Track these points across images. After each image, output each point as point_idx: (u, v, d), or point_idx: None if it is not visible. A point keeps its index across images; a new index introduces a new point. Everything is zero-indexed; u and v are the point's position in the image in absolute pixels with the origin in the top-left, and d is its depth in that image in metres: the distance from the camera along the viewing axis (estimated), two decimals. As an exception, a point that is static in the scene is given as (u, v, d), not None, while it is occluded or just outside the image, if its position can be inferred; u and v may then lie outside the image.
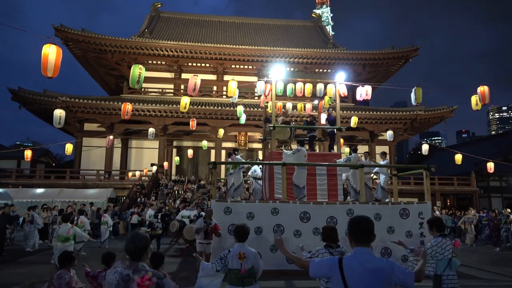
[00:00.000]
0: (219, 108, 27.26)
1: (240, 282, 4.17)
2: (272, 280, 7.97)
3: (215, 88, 32.02)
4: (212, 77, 31.88)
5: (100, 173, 26.53)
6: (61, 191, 22.03)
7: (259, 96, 13.77)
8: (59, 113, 13.04)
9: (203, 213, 13.62)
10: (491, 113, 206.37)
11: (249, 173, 12.33)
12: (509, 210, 16.90)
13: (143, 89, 30.76)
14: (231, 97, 13.01)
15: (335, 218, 9.02)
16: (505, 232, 15.69)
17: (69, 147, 17.99)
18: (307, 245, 8.79)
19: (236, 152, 10.98)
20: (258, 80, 13.16)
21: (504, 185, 31.58)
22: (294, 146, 11.05)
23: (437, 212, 17.19)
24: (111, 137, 18.98)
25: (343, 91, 12.43)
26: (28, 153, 17.71)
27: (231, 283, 4.22)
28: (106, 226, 14.00)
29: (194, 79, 10.62)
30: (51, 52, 6.41)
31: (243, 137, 29.95)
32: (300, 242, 8.82)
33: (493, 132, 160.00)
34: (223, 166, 15.47)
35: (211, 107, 27.36)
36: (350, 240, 2.69)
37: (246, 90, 29.17)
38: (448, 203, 30.54)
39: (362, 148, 28.95)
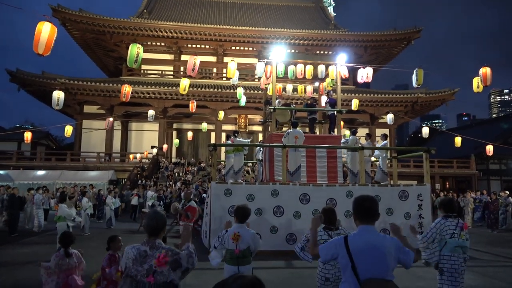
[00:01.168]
0: (219, 90, 27.10)
1: (235, 261, 4.22)
2: (272, 260, 8.07)
3: (215, 70, 31.77)
4: (212, 59, 31.58)
5: (101, 156, 26.58)
6: (62, 173, 22.16)
7: (259, 78, 13.66)
8: (57, 94, 12.95)
9: (204, 195, 13.79)
10: (493, 96, 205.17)
11: (259, 156, 12.40)
12: (507, 193, 17.00)
13: (142, 71, 30.53)
14: (231, 78, 12.90)
15: (334, 200, 9.08)
16: (502, 214, 15.83)
17: (68, 129, 17.96)
18: (307, 226, 8.92)
19: (236, 134, 10.96)
20: (259, 61, 13.02)
21: (503, 168, 31.71)
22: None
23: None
24: (111, 119, 18.92)
25: (344, 73, 12.32)
26: (28, 135, 17.70)
27: (227, 262, 4.29)
28: (109, 208, 14.15)
29: (194, 59, 10.51)
30: (44, 30, 6.30)
31: (243, 120, 29.88)
32: (300, 224, 8.95)
33: (494, 115, 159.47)
34: (223, 148, 15.49)
35: (211, 90, 27.21)
36: (354, 218, 2.78)
37: (247, 72, 28.93)
38: (448, 185, 30.72)
39: (363, 131, 28.98)
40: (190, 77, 11.88)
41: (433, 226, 4.62)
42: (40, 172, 22.24)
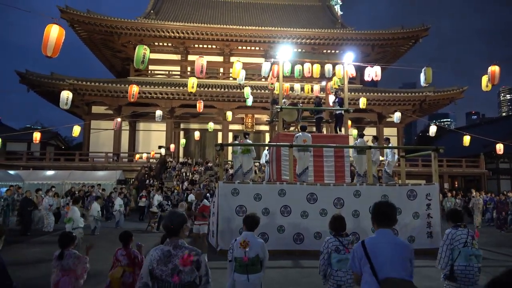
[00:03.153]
0: (226, 90, 27.14)
1: (244, 269, 4.15)
2: (280, 260, 8.08)
3: (221, 70, 31.83)
4: (219, 58, 31.63)
5: (109, 156, 26.79)
6: (71, 173, 22.35)
7: (267, 77, 13.66)
8: (66, 94, 13.08)
9: (208, 195, 13.83)
10: (502, 94, 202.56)
11: (263, 161, 12.40)
12: (516, 193, 16.77)
13: (149, 72, 30.71)
14: (237, 78, 12.91)
15: (342, 199, 9.06)
16: (511, 214, 15.63)
17: (76, 129, 18.10)
18: (314, 226, 8.93)
19: (247, 136, 10.98)
20: (265, 61, 13.01)
21: (513, 167, 31.31)
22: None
23: (452, 200, 16.99)
24: (119, 119, 19.05)
25: (351, 71, 12.28)
26: (37, 136, 17.89)
27: (236, 271, 4.21)
28: (118, 209, 14.27)
29: (201, 61, 10.55)
30: (53, 32, 6.39)
31: (250, 119, 29.88)
32: (307, 223, 8.96)
33: (503, 114, 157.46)
34: (230, 148, 15.52)
35: (218, 89, 27.27)
36: (372, 222, 2.93)
37: (253, 72, 28.95)
38: (456, 185, 30.43)
39: (370, 130, 28.83)
40: (197, 77, 11.93)
41: (445, 238, 4.55)
42: (50, 172, 22.47)
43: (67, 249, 4.26)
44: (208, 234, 11.10)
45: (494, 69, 10.72)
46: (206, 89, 27.04)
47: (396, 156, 11.58)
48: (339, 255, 4.26)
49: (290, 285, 6.36)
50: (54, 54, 6.46)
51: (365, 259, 2.72)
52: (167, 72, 30.86)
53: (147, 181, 22.11)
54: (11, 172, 21.01)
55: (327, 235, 4.62)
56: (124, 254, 4.34)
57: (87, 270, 4.37)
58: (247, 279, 4.10)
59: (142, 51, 8.79)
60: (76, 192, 15.11)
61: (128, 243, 4.45)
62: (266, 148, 13.01)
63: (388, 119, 29.11)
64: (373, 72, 12.68)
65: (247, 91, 15.59)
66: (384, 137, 12.17)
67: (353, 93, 25.54)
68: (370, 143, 11.15)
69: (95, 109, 29.08)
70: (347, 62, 12.07)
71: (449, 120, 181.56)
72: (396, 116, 18.61)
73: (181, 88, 26.46)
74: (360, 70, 18.80)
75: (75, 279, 4.25)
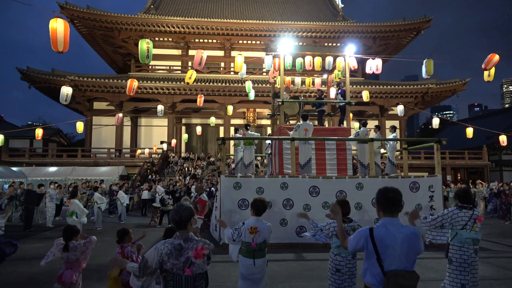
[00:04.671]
0: (227, 84, 27.08)
1: (251, 254, 4.22)
2: (283, 253, 8.10)
3: (222, 64, 31.73)
4: (220, 53, 31.54)
5: (111, 151, 26.85)
6: (73, 169, 22.42)
7: (268, 71, 13.60)
8: (66, 90, 13.03)
9: (213, 189, 13.85)
10: (505, 86, 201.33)
11: (268, 151, 12.40)
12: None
13: (150, 67, 30.65)
14: (238, 72, 12.84)
15: (344, 192, 9.04)
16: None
17: (79, 126, 18.13)
18: (317, 219, 8.90)
19: (248, 128, 10.93)
20: (266, 54, 12.95)
21: (516, 159, 31.23)
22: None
23: (455, 190, 16.94)
24: (120, 114, 19.02)
25: (353, 64, 12.20)
26: (39, 132, 17.90)
27: (243, 255, 4.28)
28: (120, 203, 14.30)
29: (200, 53, 10.49)
30: (59, 26, 6.33)
31: (251, 114, 29.84)
32: (310, 216, 8.91)
33: (506, 106, 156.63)
34: (232, 142, 15.51)
35: (219, 84, 27.20)
36: (377, 209, 2.84)
37: (254, 66, 28.86)
38: (459, 177, 30.38)
39: (372, 123, 28.73)
40: (197, 71, 11.88)
41: (445, 213, 4.55)
42: (52, 169, 22.54)
43: (71, 242, 4.27)
44: (210, 228, 11.17)
45: (494, 56, 10.55)
46: (207, 83, 26.98)
47: (395, 144, 11.50)
48: (339, 240, 4.29)
49: (292, 278, 6.36)
50: (65, 49, 6.42)
51: (372, 249, 2.67)
52: (168, 67, 30.78)
53: (150, 176, 22.16)
54: (14, 168, 21.09)
55: (330, 227, 4.62)
56: (119, 252, 4.33)
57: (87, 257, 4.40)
58: (253, 263, 4.18)
59: (145, 46, 8.72)
60: (78, 186, 15.14)
61: (122, 240, 4.43)
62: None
63: (390, 112, 29.03)
64: (374, 65, 12.59)
65: (248, 85, 15.54)
66: (391, 125, 12.08)
67: (355, 86, 25.45)
68: (372, 133, 11.10)
69: (97, 105, 29.09)
70: (349, 55, 12.00)
71: (451, 112, 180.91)
72: (399, 109, 18.51)
73: (182, 83, 26.41)
74: (361, 63, 18.68)
75: (78, 274, 4.28)
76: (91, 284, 5.83)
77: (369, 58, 12.76)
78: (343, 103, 12.07)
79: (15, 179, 18.57)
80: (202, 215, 9.03)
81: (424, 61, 11.07)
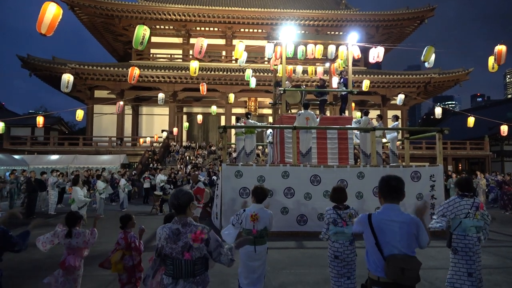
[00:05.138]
0: (229, 73, 26.94)
1: (252, 241, 4.24)
2: (284, 241, 8.15)
3: (224, 53, 31.52)
4: (221, 41, 31.30)
5: (112, 140, 26.88)
6: (75, 157, 22.47)
7: (269, 59, 13.50)
8: (67, 77, 12.99)
9: (214, 178, 13.88)
10: (508, 76, 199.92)
11: (269, 138, 12.39)
12: (520, 173, 16.71)
13: (151, 55, 30.49)
14: (238, 59, 12.73)
15: (345, 181, 9.04)
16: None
17: (80, 113, 18.08)
18: (317, 207, 8.95)
19: (249, 116, 10.89)
20: (268, 42, 12.82)
21: (518, 149, 31.17)
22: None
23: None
24: (121, 102, 18.98)
25: (356, 53, 12.08)
26: (40, 120, 17.90)
27: None
28: (121, 191, 14.37)
29: (201, 41, 10.41)
30: (50, 10, 6.24)
31: (253, 103, 29.75)
32: (310, 205, 8.98)
33: (509, 96, 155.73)
34: (233, 131, 15.46)
35: (220, 73, 27.06)
36: (379, 196, 2.86)
37: (256, 55, 28.67)
38: (460, 167, 30.38)
39: (374, 113, 28.64)
40: (197, 59, 11.80)
41: (446, 202, 4.56)
42: (54, 157, 22.60)
43: (75, 228, 4.28)
44: (211, 216, 11.21)
45: (501, 48, 10.54)
46: (208, 72, 26.84)
47: (395, 133, 11.47)
48: (336, 227, 4.34)
49: (293, 265, 6.41)
50: (48, 32, 6.33)
51: (371, 235, 2.69)
52: (169, 56, 30.61)
53: (151, 164, 22.21)
54: (16, 156, 21.14)
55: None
56: (122, 237, 4.35)
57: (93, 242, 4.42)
58: (254, 250, 4.23)
59: (142, 32, 8.65)
60: (79, 174, 15.20)
61: (126, 225, 4.44)
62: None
63: (392, 102, 28.87)
64: (376, 53, 12.48)
65: (248, 73, 15.41)
66: (393, 114, 12.02)
67: (357, 76, 25.27)
68: (374, 122, 11.05)
69: (98, 93, 29.03)
70: (351, 43, 11.87)
71: (453, 102, 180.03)
72: (400, 98, 18.38)
73: (183, 71, 26.29)
74: (364, 52, 18.54)
75: (80, 259, 4.30)
76: (93, 270, 5.87)
77: (372, 47, 12.64)
78: (345, 92, 12.00)
79: (17, 167, 18.63)
80: (202, 203, 9.06)
81: (425, 48, 10.94)
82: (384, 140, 11.89)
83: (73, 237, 4.21)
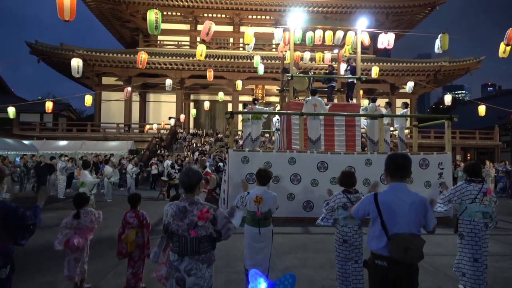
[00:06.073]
0: (236, 60, 26.78)
1: (256, 223, 4.30)
2: (289, 226, 8.19)
3: (231, 40, 31.30)
4: (229, 28, 31.05)
5: (120, 126, 27.05)
6: (83, 143, 22.68)
7: (277, 45, 13.38)
8: (77, 62, 13.03)
9: (221, 164, 13.93)
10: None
11: (276, 125, 12.38)
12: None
13: (159, 42, 30.40)
14: (247, 44, 12.62)
15: (353, 168, 8.97)
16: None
17: (88, 99, 18.17)
18: (324, 194, 8.93)
19: (256, 102, 10.86)
20: (276, 28, 12.67)
21: (528, 140, 30.76)
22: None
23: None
24: (129, 88, 19.01)
25: (365, 39, 11.92)
26: (49, 105, 18.04)
27: (248, 223, 4.37)
28: (129, 175, 14.52)
29: (209, 24, 10.33)
30: (66, -4, 6.27)
31: (260, 90, 29.64)
32: (317, 191, 8.97)
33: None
34: (240, 118, 15.46)
35: (228, 60, 26.92)
36: (386, 175, 2.82)
37: (264, 42, 28.44)
38: (468, 157, 30.09)
39: (382, 101, 28.41)
40: (204, 41, 11.74)
41: (453, 188, 4.55)
42: (63, 142, 22.84)
43: (82, 209, 4.37)
44: (219, 202, 11.28)
45: (512, 31, 10.29)
46: (215, 59, 26.72)
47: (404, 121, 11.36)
48: (345, 211, 4.32)
49: (299, 249, 6.44)
50: (71, 17, 6.37)
51: (376, 214, 2.66)
52: (176, 43, 30.49)
53: (158, 151, 22.35)
54: (26, 142, 21.38)
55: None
56: (133, 216, 4.43)
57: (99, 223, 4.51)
58: (259, 232, 4.26)
59: (153, 16, 8.59)
60: (88, 160, 15.37)
61: (136, 205, 4.52)
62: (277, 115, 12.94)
63: (401, 90, 28.58)
64: (386, 40, 12.29)
65: (256, 59, 15.31)
66: (402, 102, 11.89)
67: (365, 63, 24.98)
68: (383, 110, 10.95)
69: (106, 80, 29.11)
70: (361, 29, 11.71)
71: (463, 92, 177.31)
72: (409, 85, 18.14)
73: (190, 58, 26.21)
74: (373, 40, 18.29)
75: (85, 239, 4.39)
76: (102, 251, 5.98)
77: (381, 33, 12.45)
78: (351, 80, 11.88)
79: (27, 152, 18.85)
80: (207, 189, 9.13)
81: (439, 35, 10.76)
82: (392, 128, 11.79)
83: (81, 217, 4.30)
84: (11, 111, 17.35)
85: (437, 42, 10.93)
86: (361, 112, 11.11)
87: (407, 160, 2.74)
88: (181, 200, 2.78)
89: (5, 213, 2.67)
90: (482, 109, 18.34)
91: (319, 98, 10.19)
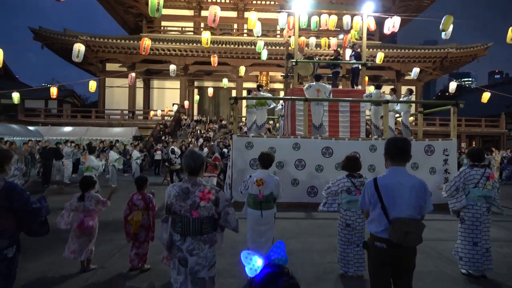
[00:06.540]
0: (240, 46, 26.57)
1: (258, 206, 4.34)
2: (293, 211, 8.22)
3: (235, 26, 31.00)
4: (233, 14, 30.73)
5: (124, 113, 27.09)
6: (88, 129, 22.77)
7: (282, 31, 13.23)
8: (78, 46, 12.97)
9: (225, 150, 13.94)
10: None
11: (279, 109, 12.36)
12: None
13: (162, 28, 30.18)
14: (253, 30, 12.48)
15: (358, 154, 8.95)
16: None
17: (93, 85, 18.15)
18: (329, 179, 8.92)
19: (260, 88, 10.81)
20: (281, 12, 12.49)
21: (535, 127, 30.48)
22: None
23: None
24: (133, 74, 18.95)
25: (371, 24, 11.75)
26: (53, 91, 18.06)
27: (250, 206, 4.40)
28: (135, 161, 14.60)
29: (214, 9, 10.19)
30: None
31: (264, 77, 29.45)
32: (322, 177, 8.97)
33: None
34: (244, 105, 15.39)
35: (232, 46, 26.71)
36: (386, 159, 2.80)
37: (268, 28, 28.13)
38: (474, 145, 29.92)
39: (388, 88, 28.20)
40: (211, 28, 11.62)
41: (457, 175, 4.56)
42: (67, 129, 22.95)
43: (88, 192, 4.43)
44: (224, 187, 11.33)
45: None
46: (219, 45, 26.51)
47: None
48: (349, 195, 4.34)
49: (303, 234, 6.48)
50: None
51: (376, 198, 2.67)
52: (180, 29, 30.24)
53: (163, 137, 22.42)
54: (31, 128, 21.50)
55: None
56: (140, 198, 4.48)
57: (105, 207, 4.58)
58: (261, 215, 4.29)
59: (156, -2, 8.49)
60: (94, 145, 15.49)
61: (143, 187, 4.57)
62: (281, 101, 12.87)
63: (407, 77, 28.29)
64: (392, 24, 12.09)
65: (260, 44, 15.13)
66: (407, 88, 11.75)
67: (371, 50, 24.67)
68: (388, 96, 10.86)
69: (109, 66, 29.04)
70: (367, 14, 11.54)
71: (470, 79, 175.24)
72: (414, 71, 17.88)
73: (194, 44, 26.02)
74: (379, 26, 18.02)
75: (95, 221, 4.47)
76: (106, 234, 6.06)
77: (388, 17, 12.26)
78: (356, 66, 11.75)
79: (32, 138, 18.96)
80: (216, 173, 9.19)
81: (444, 17, 10.51)
82: (397, 115, 11.71)
83: (86, 200, 4.36)
84: (16, 96, 17.40)
85: (442, 24, 10.66)
86: (365, 99, 11.02)
87: (407, 143, 2.74)
88: (184, 181, 2.81)
89: (12, 195, 2.70)
90: (486, 96, 17.96)
91: (323, 84, 10.11)
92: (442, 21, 10.46)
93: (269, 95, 12.53)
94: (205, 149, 14.58)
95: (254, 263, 1.54)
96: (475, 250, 4.39)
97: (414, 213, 2.62)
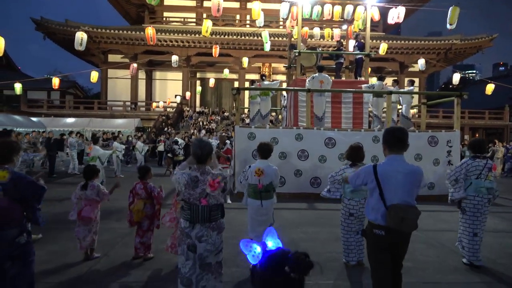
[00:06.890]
0: (243, 37, 26.41)
1: (258, 195, 4.36)
2: (296, 202, 8.24)
3: (238, 17, 30.79)
4: (235, 4, 30.50)
5: (127, 104, 27.09)
6: (90, 120, 22.85)
7: (284, 21, 13.11)
8: (80, 35, 12.94)
9: (228, 141, 13.94)
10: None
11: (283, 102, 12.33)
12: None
13: (164, 19, 30.02)
14: (256, 20, 12.36)
15: (361, 144, 8.95)
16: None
17: (94, 76, 18.09)
18: (332, 170, 8.90)
19: (263, 78, 10.75)
20: (283, 1, 12.34)
21: (539, 120, 30.25)
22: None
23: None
24: (135, 65, 18.89)
25: (375, 14, 11.63)
26: (55, 81, 18.02)
27: (250, 196, 4.43)
28: (138, 152, 14.64)
29: (217, -1, 10.09)
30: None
31: (267, 68, 29.33)
32: (325, 167, 8.97)
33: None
34: (246, 96, 15.33)
35: (234, 37, 26.56)
36: (384, 148, 2.89)
37: (271, 19, 27.90)
38: (477, 137, 29.80)
39: (391, 80, 28.04)
40: (215, 18, 11.53)
41: (458, 166, 4.55)
42: (70, 120, 23.02)
43: (91, 181, 4.45)
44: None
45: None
46: (222, 36, 26.36)
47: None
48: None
49: (305, 224, 6.50)
50: None
51: (375, 184, 2.74)
52: (182, 19, 30.07)
53: (165, 129, 22.44)
54: (34, 119, 21.57)
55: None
56: (142, 188, 4.50)
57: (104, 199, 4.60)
58: (261, 204, 4.32)
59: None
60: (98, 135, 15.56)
61: (145, 176, 4.58)
62: (284, 92, 12.84)
63: (411, 69, 28.12)
64: (396, 14, 11.96)
65: (265, 35, 15.00)
66: (409, 79, 11.68)
67: (374, 41, 24.50)
68: (390, 87, 10.81)
69: (112, 57, 28.96)
70: (370, 4, 11.42)
71: (474, 71, 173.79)
72: (420, 63, 17.71)
73: (197, 35, 25.89)
74: (383, 17, 17.83)
75: (96, 210, 4.49)
76: (111, 223, 6.11)
77: (392, 7, 12.12)
78: (359, 56, 11.67)
79: (35, 128, 19.02)
80: (228, 164, 9.18)
81: (450, 9, 10.39)
82: (398, 106, 11.64)
83: (88, 189, 4.40)
84: (18, 87, 17.40)
85: (449, 17, 10.55)
86: (367, 90, 10.96)
87: (405, 133, 2.82)
88: (193, 169, 2.84)
89: (21, 185, 2.73)
90: (489, 88, 17.77)
91: (326, 75, 10.06)
92: (449, 14, 10.33)
93: (274, 83, 12.40)
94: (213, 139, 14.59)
95: (255, 250, 1.56)
96: (475, 241, 4.43)
97: (409, 199, 2.72)
